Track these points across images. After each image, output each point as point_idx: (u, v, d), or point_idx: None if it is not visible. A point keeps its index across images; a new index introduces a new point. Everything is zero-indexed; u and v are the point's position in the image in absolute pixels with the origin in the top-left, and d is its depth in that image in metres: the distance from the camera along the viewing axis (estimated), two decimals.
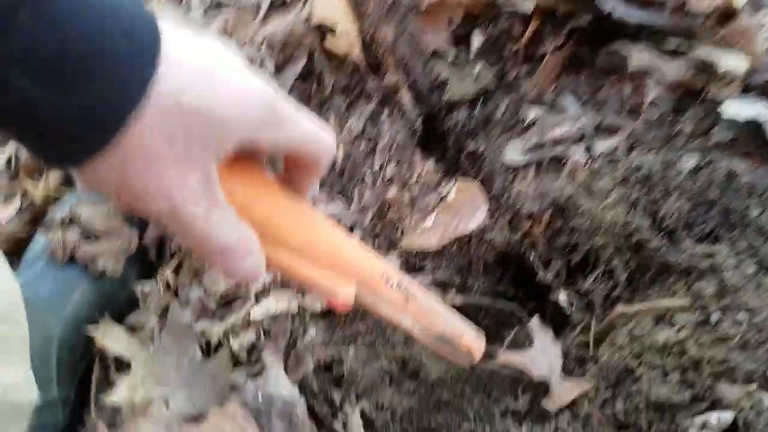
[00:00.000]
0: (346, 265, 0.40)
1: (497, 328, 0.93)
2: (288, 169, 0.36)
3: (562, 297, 0.89)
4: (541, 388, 0.74)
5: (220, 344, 0.78)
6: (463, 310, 0.94)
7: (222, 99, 0.25)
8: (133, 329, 0.79)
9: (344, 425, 0.70)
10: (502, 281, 0.97)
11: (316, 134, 0.32)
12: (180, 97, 0.23)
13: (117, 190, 0.25)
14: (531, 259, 0.95)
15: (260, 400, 0.69)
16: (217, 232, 0.28)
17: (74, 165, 0.24)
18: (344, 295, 0.39)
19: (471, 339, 0.56)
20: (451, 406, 0.73)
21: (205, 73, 0.25)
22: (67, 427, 0.69)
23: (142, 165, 0.24)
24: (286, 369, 0.75)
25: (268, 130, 0.28)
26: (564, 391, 0.72)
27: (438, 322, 0.53)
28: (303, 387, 0.74)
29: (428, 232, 0.97)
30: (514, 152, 1.12)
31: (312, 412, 0.70)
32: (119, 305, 0.84)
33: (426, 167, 1.21)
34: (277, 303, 0.83)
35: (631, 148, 1.07)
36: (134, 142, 0.23)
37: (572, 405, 0.71)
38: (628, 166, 1.00)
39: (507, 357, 0.76)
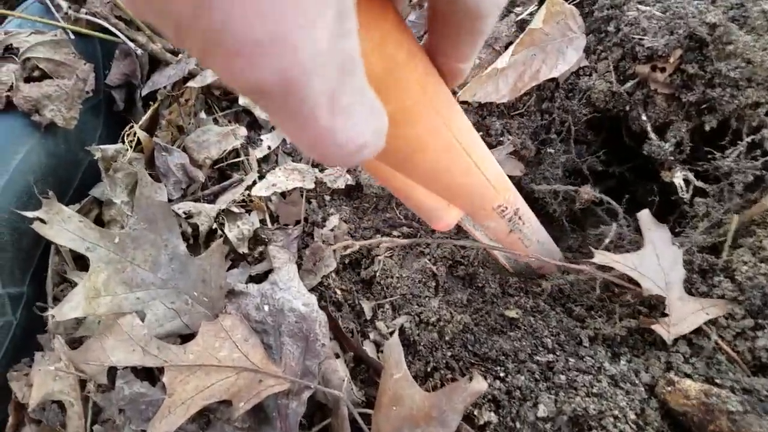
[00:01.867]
0: (461, 194, 0.35)
1: (584, 216, 0.70)
2: (433, 29, 0.23)
3: (681, 178, 0.64)
4: (653, 308, 0.54)
5: (212, 233, 0.58)
6: (536, 197, 0.71)
7: None
8: (92, 210, 0.59)
9: (377, 346, 0.53)
10: (592, 153, 0.70)
11: None
12: None
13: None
14: (642, 120, 0.67)
15: (267, 311, 0.51)
16: (346, 124, 0.17)
17: None
18: (447, 222, 0.37)
19: (549, 270, 0.59)
20: (521, 327, 0.54)
21: None
22: (23, 329, 0.54)
23: None
24: (300, 269, 0.55)
25: None
26: (685, 313, 0.52)
27: (527, 254, 0.51)
28: (322, 294, 0.55)
29: (498, 77, 0.68)
30: None
31: (335, 328, 0.53)
32: (77, 173, 0.63)
33: None
34: (287, 177, 0.61)
35: None
36: None
37: (693, 334, 0.51)
38: None
39: (605, 258, 0.54)
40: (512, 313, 0.55)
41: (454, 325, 0.54)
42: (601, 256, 0.53)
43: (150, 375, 0.50)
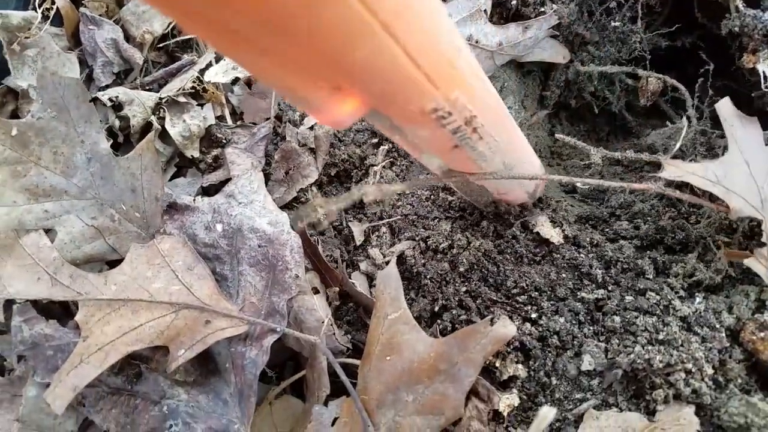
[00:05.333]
0: (364, 77, 0.22)
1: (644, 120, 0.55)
2: None
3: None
4: (739, 231, 0.40)
5: (147, 127, 0.43)
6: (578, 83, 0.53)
7: None
8: (6, 105, 0.45)
9: (369, 279, 0.40)
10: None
11: None
12: None
13: None
14: None
15: (220, 232, 0.38)
16: None
17: None
18: (334, 115, 0.24)
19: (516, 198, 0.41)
20: (560, 255, 0.41)
21: None
22: None
23: None
24: (268, 180, 0.42)
25: None
26: None
27: (480, 179, 0.35)
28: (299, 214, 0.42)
29: None
30: None
31: (314, 256, 0.40)
32: None
33: None
34: None
35: None
36: None
37: None
38: None
39: (678, 171, 0.39)
40: (545, 240, 0.41)
41: (471, 253, 0.41)
42: (672, 168, 0.38)
43: (62, 312, 0.37)
